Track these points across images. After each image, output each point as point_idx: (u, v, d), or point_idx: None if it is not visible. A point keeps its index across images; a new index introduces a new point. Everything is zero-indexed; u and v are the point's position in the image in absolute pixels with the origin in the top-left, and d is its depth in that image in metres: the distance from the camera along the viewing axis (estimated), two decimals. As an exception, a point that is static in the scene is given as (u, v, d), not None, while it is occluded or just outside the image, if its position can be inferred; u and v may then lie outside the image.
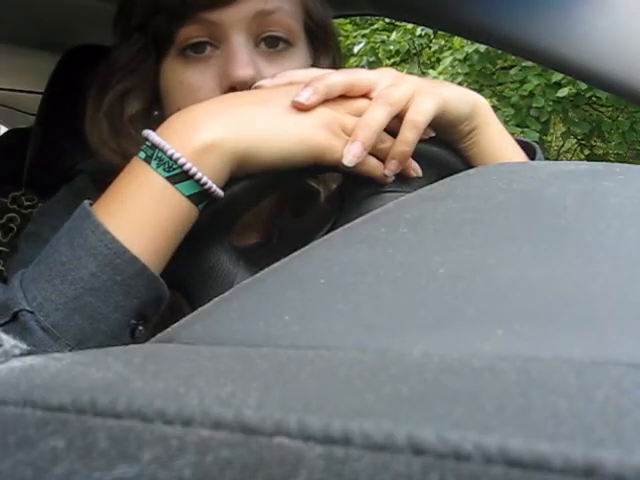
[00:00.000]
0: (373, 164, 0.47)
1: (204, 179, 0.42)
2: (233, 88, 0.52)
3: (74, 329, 0.41)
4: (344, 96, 0.47)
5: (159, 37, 0.56)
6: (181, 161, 0.42)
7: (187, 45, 0.55)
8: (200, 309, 0.24)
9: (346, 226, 0.27)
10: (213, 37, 0.54)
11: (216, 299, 0.24)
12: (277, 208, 0.64)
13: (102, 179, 0.59)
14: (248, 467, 0.12)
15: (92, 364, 0.17)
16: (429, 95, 0.47)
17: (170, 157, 0.42)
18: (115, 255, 0.41)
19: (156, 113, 0.59)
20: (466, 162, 0.51)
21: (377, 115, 0.45)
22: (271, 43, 0.56)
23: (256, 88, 0.49)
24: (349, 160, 0.45)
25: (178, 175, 0.42)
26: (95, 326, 0.41)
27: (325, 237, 0.27)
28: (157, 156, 0.42)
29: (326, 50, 0.62)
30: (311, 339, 0.19)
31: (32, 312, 0.40)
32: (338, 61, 0.64)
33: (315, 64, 0.60)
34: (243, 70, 0.52)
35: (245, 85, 0.52)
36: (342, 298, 0.21)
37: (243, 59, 0.53)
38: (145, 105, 0.59)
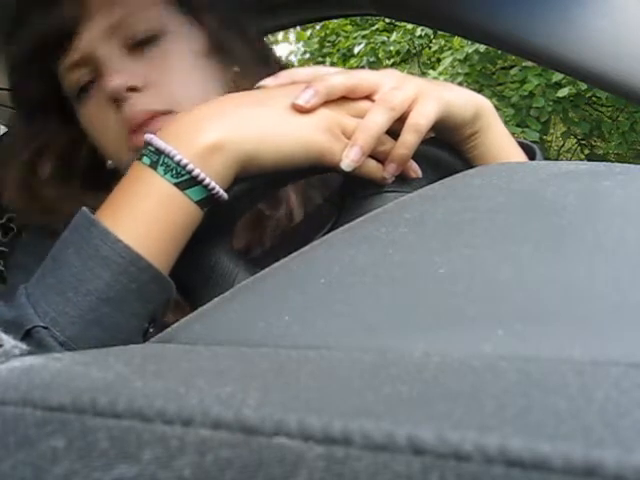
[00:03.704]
0: (372, 166, 0.47)
1: (212, 184, 0.42)
2: (116, 101, 0.54)
3: (92, 341, 0.40)
4: (346, 97, 0.47)
5: (43, 99, 0.59)
6: (189, 167, 0.41)
7: (77, 90, 0.57)
8: (200, 309, 0.24)
9: (346, 226, 0.27)
10: (92, 70, 0.56)
11: (216, 299, 0.24)
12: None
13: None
14: (248, 467, 0.12)
15: (92, 364, 0.17)
16: (432, 98, 0.46)
17: (177, 163, 0.41)
18: (130, 263, 0.40)
19: (109, 162, 0.60)
20: (467, 164, 0.51)
21: (378, 119, 0.45)
22: (141, 43, 0.56)
23: (258, 88, 0.49)
24: (347, 164, 0.45)
25: (187, 181, 0.42)
26: (113, 335, 0.40)
27: (325, 237, 0.27)
28: (163, 162, 0.42)
29: (206, 17, 0.60)
30: (311, 339, 0.19)
31: (46, 328, 0.39)
32: (228, 21, 0.62)
33: (205, 40, 0.59)
34: (111, 80, 0.53)
35: (119, 93, 0.53)
36: (342, 298, 0.21)
37: (109, 70, 0.54)
38: (64, 163, 0.61)
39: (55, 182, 0.60)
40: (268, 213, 0.61)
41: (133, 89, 0.54)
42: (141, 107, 0.53)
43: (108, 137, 0.56)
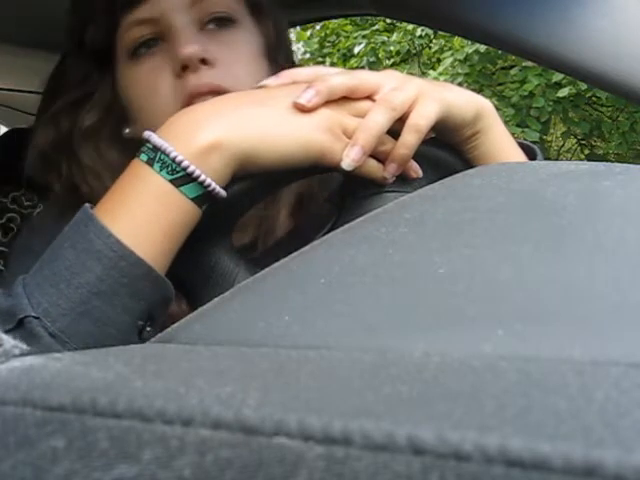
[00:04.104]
0: (373, 166, 0.47)
1: (208, 181, 0.42)
2: (185, 67, 0.53)
3: (82, 333, 0.40)
4: (347, 97, 0.47)
5: (98, 49, 0.58)
6: (184, 164, 0.42)
7: (135, 45, 0.56)
8: (200, 309, 0.24)
9: (346, 226, 0.27)
10: (158, 31, 0.56)
11: (216, 299, 0.24)
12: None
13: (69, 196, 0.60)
14: (248, 467, 0.12)
15: (92, 364, 0.17)
16: (433, 99, 0.46)
17: (173, 160, 0.42)
18: (120, 258, 0.40)
19: (127, 130, 0.60)
20: (467, 164, 0.51)
21: (378, 119, 0.45)
22: (216, 23, 0.57)
23: (260, 88, 0.49)
24: (348, 164, 0.45)
25: (182, 178, 0.42)
26: (103, 329, 0.41)
27: (325, 237, 0.27)
28: (160, 158, 0.42)
29: (267, 20, 0.63)
30: (311, 339, 0.19)
31: (38, 318, 0.40)
32: (282, 31, 0.65)
33: (261, 37, 0.61)
34: (187, 46, 0.53)
35: (194, 61, 0.53)
36: (342, 298, 0.21)
37: (186, 37, 0.54)
38: (103, 118, 0.60)
39: (93, 135, 0.60)
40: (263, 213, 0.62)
41: (205, 62, 0.54)
42: (208, 80, 0.54)
43: (157, 101, 0.55)
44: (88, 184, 0.58)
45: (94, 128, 0.60)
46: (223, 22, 0.57)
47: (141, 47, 0.56)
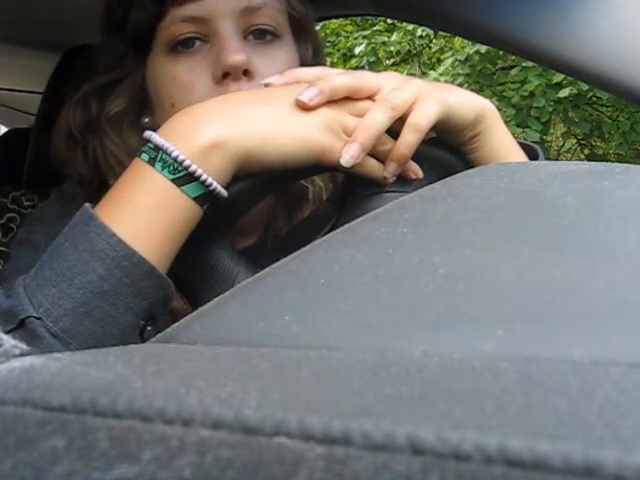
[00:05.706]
0: (373, 165, 0.47)
1: (209, 180, 0.42)
2: (226, 74, 0.53)
3: (84, 333, 0.40)
4: (348, 97, 0.47)
5: (138, 34, 0.57)
6: (186, 163, 0.42)
7: (176, 41, 0.55)
8: (200, 309, 0.24)
9: (346, 226, 0.27)
10: (202, 32, 0.55)
11: (216, 299, 0.24)
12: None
13: (90, 183, 0.60)
14: (248, 467, 0.12)
15: (92, 364, 0.17)
16: (433, 100, 0.47)
17: (175, 159, 0.42)
18: (123, 257, 0.40)
19: (146, 120, 0.59)
20: (468, 165, 0.51)
21: (378, 118, 0.45)
22: (259, 35, 0.57)
23: (264, 86, 0.49)
24: (346, 161, 0.45)
25: (184, 177, 0.42)
26: (105, 329, 0.40)
27: (325, 237, 0.27)
28: (161, 158, 0.42)
29: (307, 40, 0.63)
30: (311, 339, 0.19)
31: (40, 318, 0.40)
32: (319, 51, 0.66)
33: (299, 54, 0.61)
34: (235, 55, 0.53)
35: (238, 70, 0.53)
36: (342, 298, 0.21)
37: (234, 45, 0.54)
38: (129, 105, 0.59)
39: (118, 122, 0.59)
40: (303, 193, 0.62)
41: (246, 73, 0.54)
42: None
43: (192, 101, 0.52)
44: (112, 169, 0.58)
45: (120, 114, 0.59)
46: (266, 35, 0.57)
47: (180, 44, 0.55)
